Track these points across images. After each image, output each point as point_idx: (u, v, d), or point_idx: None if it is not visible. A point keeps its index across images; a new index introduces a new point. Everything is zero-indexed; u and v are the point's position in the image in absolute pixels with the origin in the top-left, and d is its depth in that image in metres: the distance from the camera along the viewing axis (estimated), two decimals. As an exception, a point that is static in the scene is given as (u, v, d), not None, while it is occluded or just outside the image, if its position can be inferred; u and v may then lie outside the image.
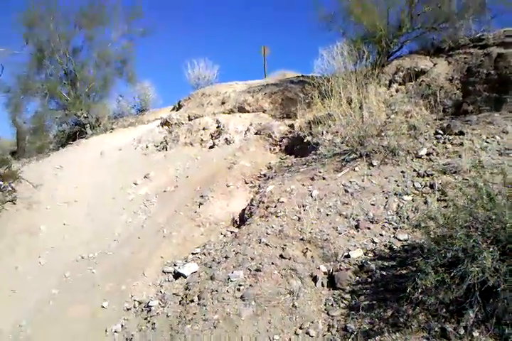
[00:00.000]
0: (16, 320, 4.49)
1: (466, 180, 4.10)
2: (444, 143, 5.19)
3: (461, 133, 5.25)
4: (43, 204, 7.06)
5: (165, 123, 10.86)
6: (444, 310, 2.68)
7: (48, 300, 4.79)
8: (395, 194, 4.35)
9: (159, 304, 4.20)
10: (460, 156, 4.64)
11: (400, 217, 3.97)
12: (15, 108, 13.24)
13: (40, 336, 4.22)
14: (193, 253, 5.10)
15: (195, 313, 3.61)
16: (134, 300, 4.48)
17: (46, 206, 7.09)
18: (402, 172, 4.76)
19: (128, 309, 4.39)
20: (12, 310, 4.62)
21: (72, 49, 13.87)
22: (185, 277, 4.53)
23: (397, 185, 4.51)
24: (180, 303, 4.01)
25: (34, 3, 13.09)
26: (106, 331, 4.12)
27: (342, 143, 6.02)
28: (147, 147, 9.88)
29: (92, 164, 9.03)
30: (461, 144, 4.97)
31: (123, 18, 14.50)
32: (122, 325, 4.13)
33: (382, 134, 5.47)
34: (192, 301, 3.83)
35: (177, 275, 4.65)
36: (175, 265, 4.92)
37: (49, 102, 13.66)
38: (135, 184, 7.74)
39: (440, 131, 5.53)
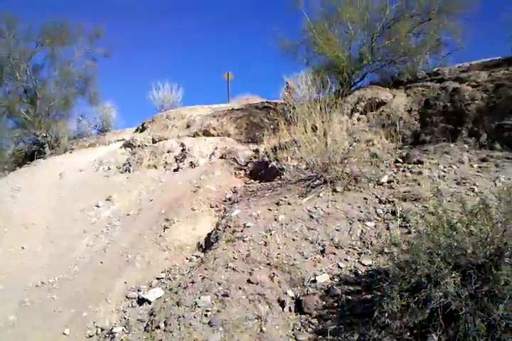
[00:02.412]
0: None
1: (426, 207, 4.30)
2: (403, 171, 5.43)
3: (420, 162, 5.51)
4: (0, 226, 6.78)
5: (128, 144, 10.76)
6: (409, 333, 2.77)
7: (6, 327, 4.56)
8: (359, 220, 4.49)
9: (123, 331, 4.08)
10: (419, 184, 4.87)
11: (363, 242, 4.10)
12: (-29, 126, 12.79)
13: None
14: (157, 278, 5.03)
15: (161, 340, 3.55)
16: (97, 327, 4.35)
17: (3, 229, 6.79)
18: (364, 198, 4.93)
19: (90, 336, 4.25)
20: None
21: (32, 67, 13.65)
22: (149, 303, 4.45)
23: (360, 211, 4.67)
24: (145, 330, 3.92)
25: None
26: (67, 359, 3.97)
27: (307, 169, 6.16)
28: (109, 169, 9.72)
29: (51, 185, 8.77)
30: (420, 173, 5.22)
31: (86, 37, 14.44)
32: (84, 353, 4.00)
33: (346, 161, 5.65)
34: (158, 327, 3.76)
35: (141, 300, 4.55)
36: (139, 290, 4.83)
37: (7, 120, 13.31)
38: (97, 206, 7.58)
39: (400, 160, 5.79)
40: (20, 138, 13.54)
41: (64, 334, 4.33)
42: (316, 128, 5.89)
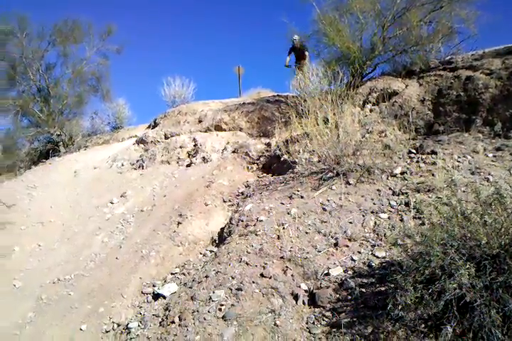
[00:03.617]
0: (-10, 347, 4.34)
1: (440, 198, 4.24)
2: (417, 162, 5.36)
3: (434, 152, 5.44)
4: (17, 224, 6.85)
5: (141, 141, 10.81)
6: (423, 325, 2.74)
7: (24, 323, 4.64)
8: (372, 212, 4.45)
9: (139, 326, 4.13)
10: (433, 175, 4.80)
11: (377, 234, 4.07)
12: (-15, 125, 13.04)
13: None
14: (172, 274, 5.06)
15: (176, 334, 3.58)
16: (113, 322, 4.40)
17: (20, 226, 6.90)
18: (378, 190, 4.89)
19: (107, 331, 4.30)
20: (-16, 337, 4.47)
21: (45, 65, 13.81)
22: (164, 298, 4.48)
23: (374, 203, 4.63)
24: (160, 325, 3.96)
25: (6, 18, 13.01)
26: (84, 354, 4.03)
27: (319, 161, 6.13)
28: (123, 165, 9.79)
29: (66, 183, 8.87)
30: (434, 163, 5.15)
31: (98, 35, 14.56)
32: (101, 348, 4.05)
33: (358, 153, 5.61)
34: (173, 322, 3.79)
35: (156, 296, 4.59)
36: (154, 285, 4.87)
37: (21, 119, 13.50)
38: (111, 203, 7.64)
39: (413, 151, 5.72)
40: (34, 137, 13.72)
41: (81, 330, 4.38)
42: (328, 120, 5.85)
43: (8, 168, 12.17)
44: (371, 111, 7.65)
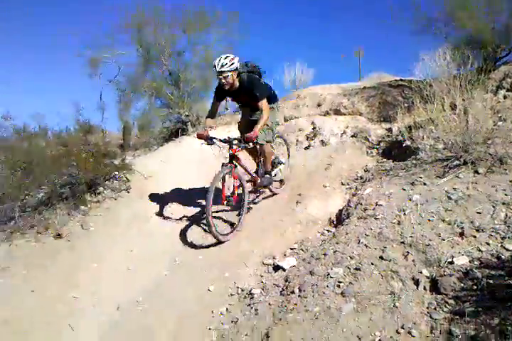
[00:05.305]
0: (133, 296, 4.91)
1: None
2: (559, 152, 4.96)
3: None
4: (153, 194, 7.60)
5: (262, 123, 11.17)
6: (558, 321, 2.65)
7: (160, 280, 5.20)
8: (503, 203, 4.24)
9: (261, 293, 4.43)
10: None
11: (508, 226, 3.88)
12: (125, 105, 14.40)
13: (155, 311, 4.62)
14: (291, 249, 5.30)
15: (296, 304, 3.81)
16: (237, 287, 4.75)
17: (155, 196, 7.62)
18: (510, 181, 4.63)
19: (232, 295, 4.66)
20: (128, 288, 5.05)
21: (176, 52, 14.74)
22: (284, 270, 4.74)
23: (506, 195, 4.39)
24: (281, 294, 4.23)
25: (141, 7, 14.08)
26: (212, 312, 4.40)
27: (444, 149, 5.93)
28: (240, 145, 10.20)
29: (194, 159, 9.35)
30: None
31: (221, 22, 15.15)
32: (227, 309, 4.39)
33: (489, 142, 5.34)
34: (292, 292, 4.02)
35: (276, 267, 4.87)
36: (274, 258, 5.16)
37: (155, 101, 14.66)
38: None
39: (555, 141, 5.28)
40: (166, 117, 14.81)
41: (209, 290, 4.81)
42: (455, 106, 5.62)
43: (143, 144, 13.42)
44: (505, 97, 7.14)
